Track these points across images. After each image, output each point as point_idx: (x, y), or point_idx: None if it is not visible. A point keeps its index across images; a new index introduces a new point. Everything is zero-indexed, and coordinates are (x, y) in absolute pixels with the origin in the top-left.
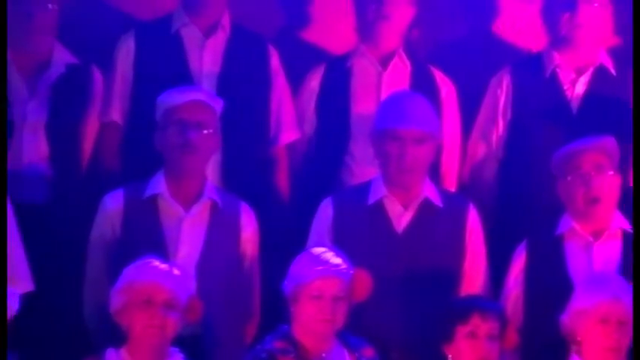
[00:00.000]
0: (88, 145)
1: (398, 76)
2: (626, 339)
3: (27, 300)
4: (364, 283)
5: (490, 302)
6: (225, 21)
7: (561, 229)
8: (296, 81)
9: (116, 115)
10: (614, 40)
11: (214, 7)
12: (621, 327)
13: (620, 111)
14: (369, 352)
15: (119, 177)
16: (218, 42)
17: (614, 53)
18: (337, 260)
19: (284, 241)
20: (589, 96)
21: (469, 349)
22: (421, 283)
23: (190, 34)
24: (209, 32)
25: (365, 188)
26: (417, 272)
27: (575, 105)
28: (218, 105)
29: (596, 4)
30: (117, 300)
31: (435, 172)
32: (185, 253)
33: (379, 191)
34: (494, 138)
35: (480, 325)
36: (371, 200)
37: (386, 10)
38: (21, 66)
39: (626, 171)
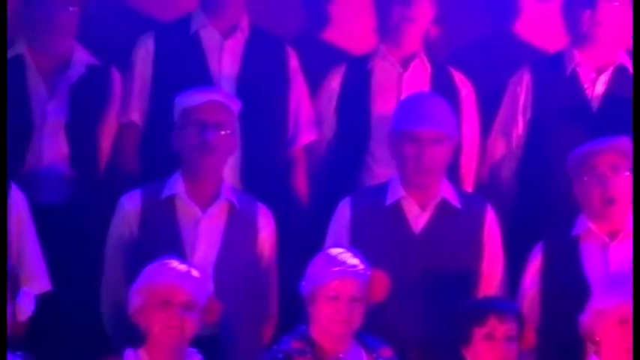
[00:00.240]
0: (106, 145)
1: (418, 77)
2: None
3: (46, 300)
4: (381, 284)
5: (507, 303)
6: (244, 22)
7: (577, 229)
8: (315, 81)
9: (135, 115)
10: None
11: (233, 8)
12: None
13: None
14: (386, 352)
15: (137, 177)
16: (237, 43)
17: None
18: (355, 261)
19: (302, 241)
20: (609, 96)
21: (487, 351)
22: (438, 283)
23: (209, 36)
24: (228, 34)
25: (382, 189)
26: (434, 273)
27: (595, 104)
28: (236, 106)
29: (616, 3)
30: (135, 300)
31: (453, 173)
32: (202, 254)
33: (397, 192)
34: (514, 137)
35: (498, 326)
36: (388, 201)
37: (411, 12)
38: (41, 66)
39: None
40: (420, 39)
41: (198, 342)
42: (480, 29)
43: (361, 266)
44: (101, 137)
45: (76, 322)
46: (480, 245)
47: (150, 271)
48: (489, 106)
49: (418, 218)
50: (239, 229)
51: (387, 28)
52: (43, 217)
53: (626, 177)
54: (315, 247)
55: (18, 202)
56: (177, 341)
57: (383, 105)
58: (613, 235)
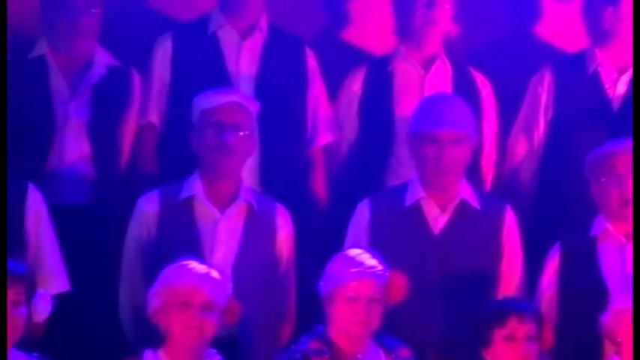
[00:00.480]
0: (126, 146)
1: (440, 78)
2: None
3: (65, 301)
4: (400, 286)
5: (526, 303)
6: (263, 22)
7: (595, 230)
8: (334, 81)
9: (153, 116)
10: None
11: (251, 8)
12: None
13: None
14: (404, 352)
15: (156, 179)
16: (255, 44)
17: None
18: (373, 262)
19: (320, 242)
20: (630, 96)
21: (508, 352)
22: (458, 284)
23: (227, 36)
24: (246, 34)
25: (402, 190)
26: (453, 274)
27: (616, 105)
28: (254, 107)
29: None
30: (155, 302)
31: (472, 174)
32: (221, 255)
33: (416, 193)
34: (535, 137)
35: (518, 327)
36: (408, 202)
37: (434, 15)
38: (63, 67)
39: None
40: (440, 40)
41: (217, 342)
42: (499, 29)
43: (380, 267)
44: (122, 138)
45: (95, 323)
46: (499, 246)
47: (169, 272)
48: (508, 106)
49: (437, 219)
50: (257, 230)
51: (409, 31)
52: (64, 217)
53: None
54: (333, 248)
55: (36, 202)
56: (196, 342)
57: (406, 107)
58: (630, 235)
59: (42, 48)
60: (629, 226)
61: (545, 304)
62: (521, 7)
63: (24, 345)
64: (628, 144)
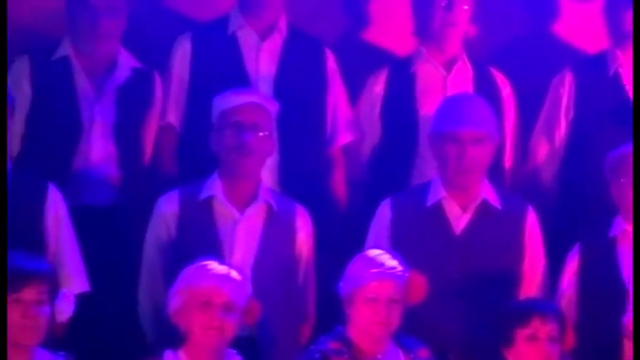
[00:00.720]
0: (149, 147)
1: (462, 79)
2: None
3: (85, 301)
4: (419, 286)
5: (549, 304)
6: (282, 23)
7: (614, 231)
8: (355, 81)
9: (172, 117)
10: None
11: (271, 9)
12: None
13: None
14: (424, 353)
15: (175, 179)
16: (274, 44)
17: None
18: (393, 263)
19: (339, 242)
20: None
21: (530, 352)
22: (479, 284)
23: (247, 37)
24: (265, 34)
25: (423, 190)
26: (475, 274)
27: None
28: (274, 107)
29: None
30: (175, 302)
31: (494, 174)
32: (240, 256)
33: (438, 193)
34: (556, 138)
35: (541, 327)
36: (429, 202)
37: (453, 17)
38: (86, 68)
39: None
40: (460, 41)
41: (237, 343)
42: (516, 30)
43: (400, 268)
44: (144, 139)
45: (116, 323)
46: (521, 246)
47: (189, 272)
48: (527, 105)
49: (459, 219)
50: (277, 230)
51: (429, 33)
52: (90, 217)
53: None
54: (353, 248)
55: (56, 202)
56: (216, 342)
57: (429, 107)
58: None
59: (66, 49)
60: None
61: (565, 304)
62: (538, 6)
63: (45, 344)
64: None
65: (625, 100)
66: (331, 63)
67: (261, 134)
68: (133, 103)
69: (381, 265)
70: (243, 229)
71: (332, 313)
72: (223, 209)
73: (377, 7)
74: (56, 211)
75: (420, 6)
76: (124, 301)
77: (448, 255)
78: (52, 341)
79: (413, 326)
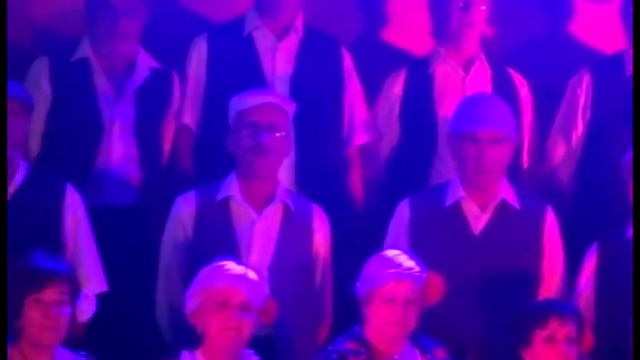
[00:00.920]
0: (167, 147)
1: (480, 80)
2: None
3: (103, 302)
4: (437, 287)
5: (567, 305)
6: (298, 23)
7: (631, 231)
8: (373, 81)
9: (187, 118)
10: None
11: (287, 9)
12: None
13: None
14: (440, 353)
15: (192, 180)
16: (291, 44)
17: None
18: (410, 263)
19: (357, 242)
20: None
21: (548, 353)
22: (498, 285)
23: (263, 37)
24: (282, 35)
25: (442, 189)
26: (493, 274)
27: None
28: (290, 107)
29: None
30: (192, 302)
31: (513, 174)
32: (257, 256)
33: (456, 193)
34: (573, 138)
35: (559, 328)
36: (448, 202)
37: (470, 17)
38: (106, 69)
39: None
40: (478, 41)
41: (254, 343)
42: (534, 30)
43: (417, 269)
44: (163, 140)
45: (133, 324)
46: (540, 247)
47: (206, 272)
48: (543, 105)
49: (478, 219)
50: (294, 230)
51: (446, 33)
52: (111, 218)
53: None
54: (370, 248)
55: (74, 203)
56: (234, 342)
57: (448, 108)
58: None
59: (85, 50)
60: None
61: (583, 304)
62: (555, 7)
63: (64, 344)
64: None
65: None
66: (348, 62)
67: (277, 135)
68: (152, 103)
69: (399, 265)
70: (261, 230)
71: (349, 313)
72: (240, 210)
73: (395, 7)
74: (74, 211)
75: (437, 7)
76: (142, 302)
77: (467, 255)
78: (70, 341)
79: (430, 327)
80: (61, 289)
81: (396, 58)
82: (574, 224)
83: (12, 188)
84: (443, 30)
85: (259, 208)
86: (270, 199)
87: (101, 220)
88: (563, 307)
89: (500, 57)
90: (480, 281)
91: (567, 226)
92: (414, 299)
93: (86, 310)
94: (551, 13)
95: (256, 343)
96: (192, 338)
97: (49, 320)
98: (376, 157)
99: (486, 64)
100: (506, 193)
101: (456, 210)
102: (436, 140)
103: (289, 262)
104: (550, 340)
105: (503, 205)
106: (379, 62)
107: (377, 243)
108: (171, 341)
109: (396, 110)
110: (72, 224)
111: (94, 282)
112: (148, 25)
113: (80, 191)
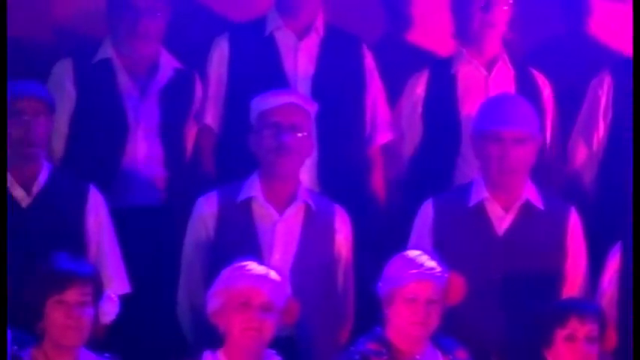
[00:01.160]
0: (190, 148)
1: (503, 80)
2: None
3: (126, 302)
4: (458, 287)
5: (588, 304)
6: (319, 23)
7: None
8: (395, 81)
9: (209, 118)
10: None
11: (308, 9)
12: None
13: None
14: (462, 354)
15: (214, 180)
16: (312, 44)
17: None
18: (432, 263)
19: (379, 242)
20: None
21: (568, 353)
22: (521, 285)
23: (284, 37)
24: (303, 34)
25: (466, 190)
26: (517, 275)
27: None
28: (312, 108)
29: None
30: (214, 302)
31: (537, 174)
32: (279, 256)
33: (480, 193)
34: (594, 139)
35: (579, 327)
36: (472, 202)
37: (492, 17)
38: (129, 69)
39: None
40: (500, 42)
41: (276, 343)
42: (554, 31)
43: (438, 269)
44: (187, 140)
45: (155, 324)
46: (564, 248)
47: (228, 273)
48: (565, 107)
49: (502, 220)
50: (316, 230)
51: (468, 34)
52: (136, 218)
53: None
54: (392, 248)
55: (97, 205)
56: (256, 343)
57: (471, 108)
58: None
59: (107, 50)
60: None
61: (606, 303)
62: (575, 7)
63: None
64: None
65: None
66: (369, 61)
67: (299, 135)
68: (175, 103)
69: (421, 265)
70: (282, 230)
71: (371, 314)
72: (262, 210)
73: (418, 8)
74: (97, 213)
75: (458, 7)
76: (165, 302)
77: (490, 256)
78: (93, 343)
79: (452, 327)
80: (83, 290)
81: (418, 58)
82: (597, 225)
83: (35, 189)
84: (465, 31)
85: (281, 208)
86: (292, 200)
87: (124, 221)
88: (583, 306)
89: (522, 57)
90: (502, 282)
91: (590, 226)
92: (435, 299)
93: (109, 311)
94: (571, 14)
95: (278, 343)
96: (214, 338)
97: (71, 321)
98: (399, 156)
99: (509, 64)
100: (530, 193)
101: (480, 210)
102: (459, 140)
103: (311, 262)
104: (570, 339)
105: (527, 206)
106: (402, 63)
107: (399, 243)
108: (193, 342)
109: (419, 110)
110: (94, 225)
111: (116, 283)
112: (169, 25)
113: (104, 192)
